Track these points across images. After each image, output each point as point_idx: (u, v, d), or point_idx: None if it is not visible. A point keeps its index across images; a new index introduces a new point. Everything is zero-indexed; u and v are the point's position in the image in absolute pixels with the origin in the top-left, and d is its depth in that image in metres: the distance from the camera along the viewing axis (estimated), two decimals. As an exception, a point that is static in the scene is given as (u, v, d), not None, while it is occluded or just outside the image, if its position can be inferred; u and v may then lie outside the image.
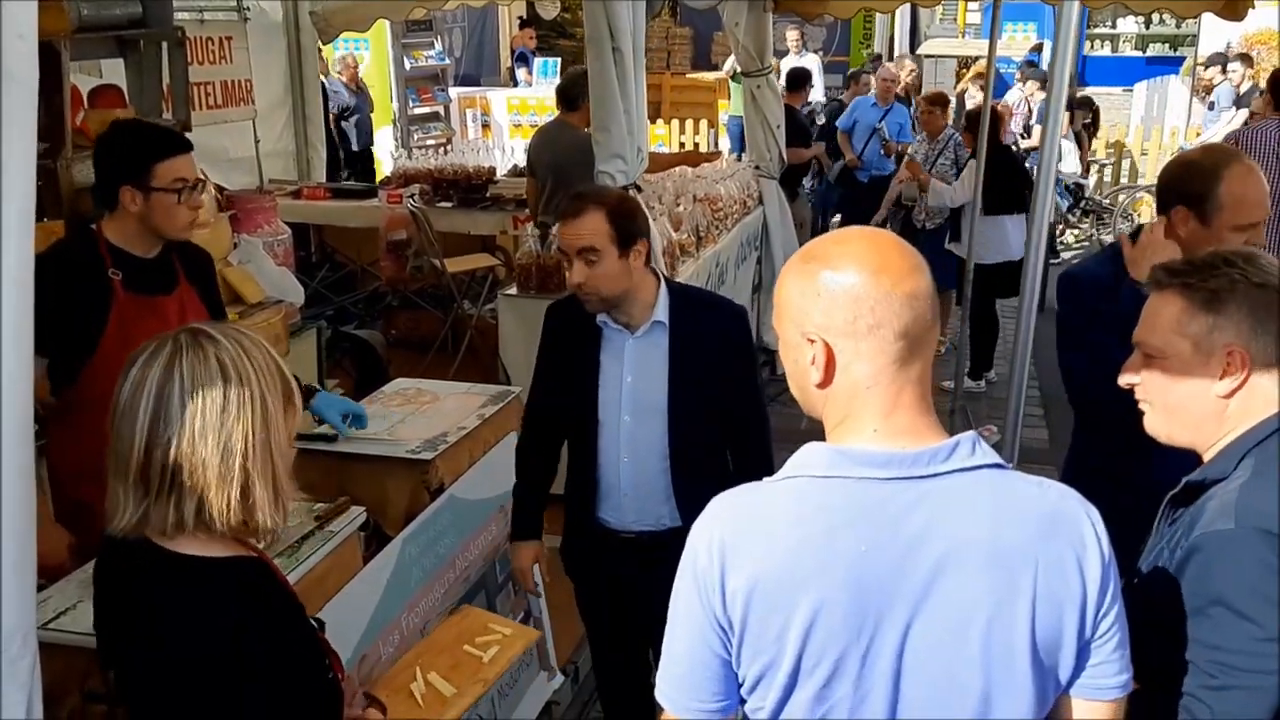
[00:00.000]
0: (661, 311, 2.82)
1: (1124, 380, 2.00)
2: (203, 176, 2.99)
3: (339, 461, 3.26)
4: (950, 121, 8.09)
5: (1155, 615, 1.76)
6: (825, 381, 1.51)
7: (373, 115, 11.25)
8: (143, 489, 1.65)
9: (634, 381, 2.83)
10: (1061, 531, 1.47)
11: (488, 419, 3.49)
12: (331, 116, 10.23)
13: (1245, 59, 12.07)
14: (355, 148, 10.69)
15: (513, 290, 5.06)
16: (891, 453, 1.47)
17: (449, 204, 7.29)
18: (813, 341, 1.49)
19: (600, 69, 4.26)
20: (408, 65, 12.53)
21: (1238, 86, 11.45)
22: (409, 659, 2.73)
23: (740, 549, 1.47)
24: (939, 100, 8.10)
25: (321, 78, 10.40)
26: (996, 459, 1.51)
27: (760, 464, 2.88)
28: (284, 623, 1.76)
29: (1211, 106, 12.33)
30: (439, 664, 2.71)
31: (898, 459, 1.47)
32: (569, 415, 2.93)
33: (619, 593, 3.04)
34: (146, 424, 1.64)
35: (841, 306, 1.47)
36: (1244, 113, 10.81)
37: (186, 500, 1.63)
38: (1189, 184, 2.68)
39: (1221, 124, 11.23)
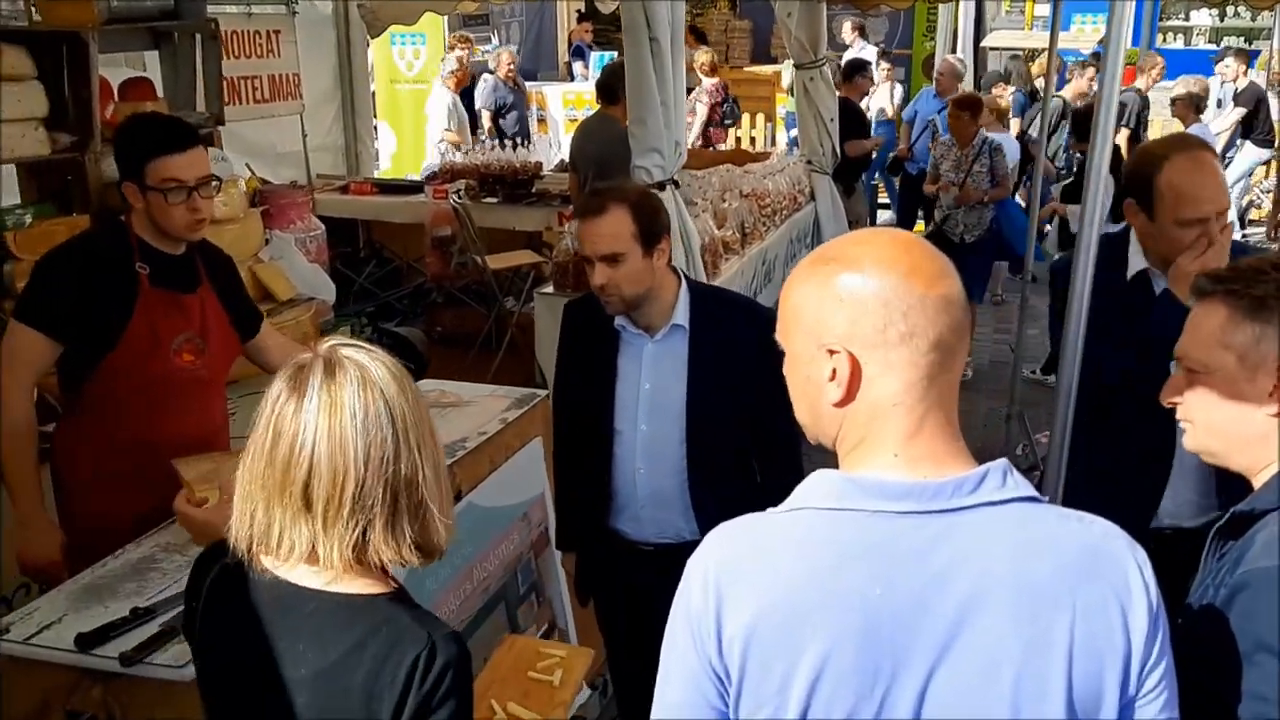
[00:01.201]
0: (681, 314, 2.67)
1: (1166, 399, 1.82)
2: (215, 175, 2.87)
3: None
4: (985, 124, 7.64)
5: (1201, 659, 1.58)
6: (846, 399, 1.35)
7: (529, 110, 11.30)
8: (339, 519, 1.49)
9: (652, 388, 2.69)
10: (1103, 574, 1.30)
11: (510, 423, 3.35)
12: (488, 114, 10.29)
13: (1240, 54, 11.59)
14: (510, 142, 10.65)
15: (549, 288, 4.92)
16: (911, 483, 1.31)
17: (494, 199, 7.19)
18: (834, 353, 1.33)
19: (636, 59, 4.10)
20: (464, 60, 12.48)
21: (1233, 81, 11.05)
22: (476, 695, 2.62)
23: (738, 589, 1.32)
24: (969, 104, 7.37)
25: (486, 77, 10.45)
26: (1030, 491, 1.34)
27: (789, 476, 2.71)
28: None
29: (1219, 104, 11.93)
30: (511, 694, 2.59)
31: (917, 490, 1.31)
32: (585, 421, 2.79)
33: (635, 601, 2.92)
34: (360, 451, 1.49)
35: (870, 312, 1.31)
36: (1240, 111, 10.44)
37: (405, 524, 1.52)
38: (1136, 174, 2.55)
39: (1222, 120, 10.89)
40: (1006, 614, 1.27)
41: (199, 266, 2.94)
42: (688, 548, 2.72)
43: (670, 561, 2.77)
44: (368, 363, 1.52)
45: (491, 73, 10.69)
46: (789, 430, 2.78)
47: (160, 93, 4.56)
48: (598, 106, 6.62)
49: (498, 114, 10.45)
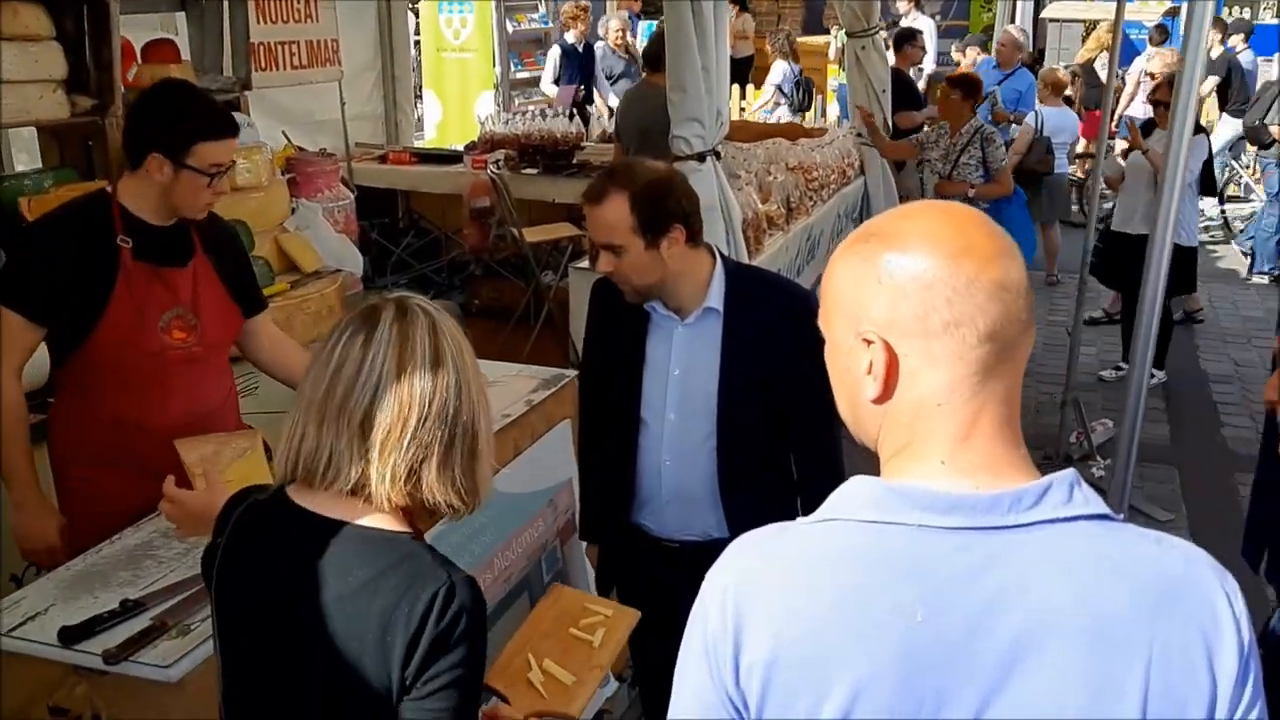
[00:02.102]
0: (715, 297, 2.48)
1: (1268, 398, 1.62)
2: (232, 160, 2.76)
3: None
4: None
5: None
6: (883, 395, 1.18)
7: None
8: (398, 448, 1.51)
9: (682, 375, 2.51)
10: (1185, 607, 1.12)
11: (536, 405, 3.19)
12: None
13: (1217, 23, 11.16)
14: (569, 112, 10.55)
15: (584, 263, 4.73)
16: (961, 494, 1.14)
17: (534, 170, 7.01)
18: (870, 343, 1.17)
19: (676, 22, 3.89)
20: (510, 29, 12.32)
21: (1208, 51, 10.67)
22: (516, 646, 2.52)
23: (759, 610, 1.16)
24: (960, 83, 6.62)
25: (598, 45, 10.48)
26: (1101, 508, 1.16)
27: (827, 472, 2.54)
28: None
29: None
30: (549, 650, 2.48)
31: (968, 503, 1.13)
32: (610, 407, 2.63)
33: (658, 596, 2.76)
34: (426, 389, 1.52)
35: (909, 297, 1.14)
36: (1213, 79, 10.16)
37: (457, 467, 1.55)
38: None
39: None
40: (1071, 652, 1.09)
41: (193, 237, 2.80)
42: (716, 546, 2.55)
43: (696, 560, 2.61)
44: (437, 314, 1.59)
45: (601, 39, 10.57)
46: (826, 421, 2.60)
47: (187, 55, 4.42)
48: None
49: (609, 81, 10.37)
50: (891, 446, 1.21)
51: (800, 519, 1.24)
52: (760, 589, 1.18)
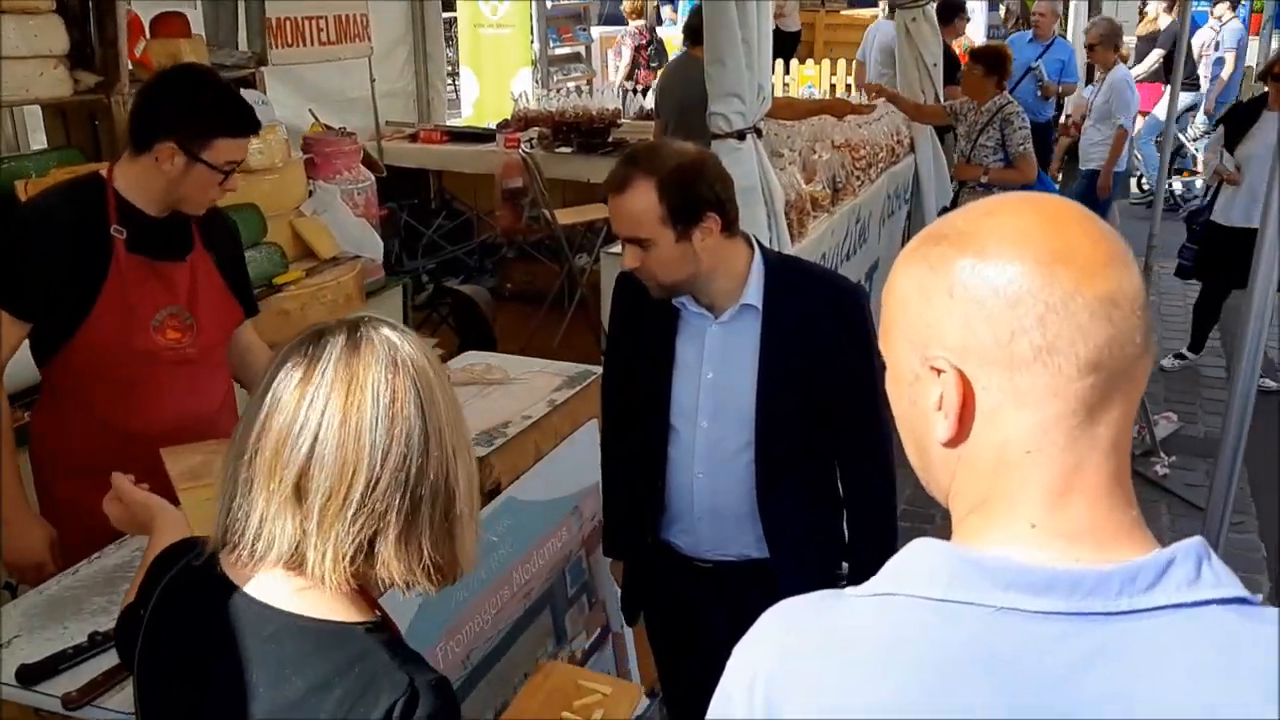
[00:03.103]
0: (753, 292, 2.23)
1: None
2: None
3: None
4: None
5: None
6: (957, 437, 0.94)
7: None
8: (340, 519, 1.20)
9: (715, 378, 2.26)
10: None
11: (559, 405, 2.96)
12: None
13: None
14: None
15: (617, 248, 4.48)
16: (1057, 570, 0.90)
17: (568, 149, 6.76)
18: (940, 372, 0.93)
19: (715, -10, 3.63)
20: (549, 4, 12.09)
21: (1154, 21, 10.41)
22: None
23: (795, 699, 0.94)
24: (984, 56, 6.02)
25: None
26: (1236, 589, 0.91)
27: (876, 466, 2.30)
28: None
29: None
30: None
31: (1066, 580, 0.89)
32: (636, 414, 2.39)
33: (684, 611, 2.56)
34: (379, 442, 1.21)
35: (991, 316, 0.90)
36: (1159, 52, 10.09)
37: (424, 540, 1.24)
38: None
39: (1144, 63, 10.62)
40: (1195, 771, 0.85)
41: (192, 229, 2.59)
42: (752, 567, 2.34)
43: (730, 580, 2.40)
44: (400, 342, 1.27)
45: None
46: (876, 427, 2.35)
47: (201, 30, 4.22)
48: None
49: None
50: (967, 502, 0.97)
51: (850, 589, 1.00)
52: (798, 675, 0.95)
